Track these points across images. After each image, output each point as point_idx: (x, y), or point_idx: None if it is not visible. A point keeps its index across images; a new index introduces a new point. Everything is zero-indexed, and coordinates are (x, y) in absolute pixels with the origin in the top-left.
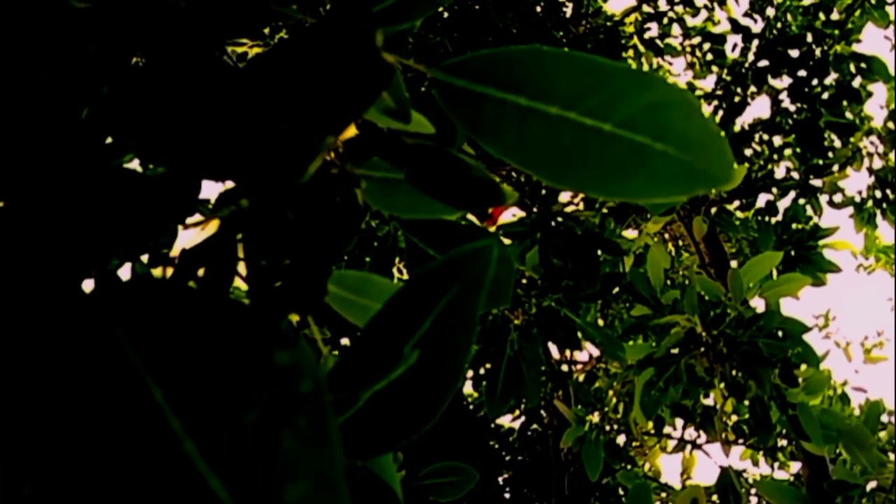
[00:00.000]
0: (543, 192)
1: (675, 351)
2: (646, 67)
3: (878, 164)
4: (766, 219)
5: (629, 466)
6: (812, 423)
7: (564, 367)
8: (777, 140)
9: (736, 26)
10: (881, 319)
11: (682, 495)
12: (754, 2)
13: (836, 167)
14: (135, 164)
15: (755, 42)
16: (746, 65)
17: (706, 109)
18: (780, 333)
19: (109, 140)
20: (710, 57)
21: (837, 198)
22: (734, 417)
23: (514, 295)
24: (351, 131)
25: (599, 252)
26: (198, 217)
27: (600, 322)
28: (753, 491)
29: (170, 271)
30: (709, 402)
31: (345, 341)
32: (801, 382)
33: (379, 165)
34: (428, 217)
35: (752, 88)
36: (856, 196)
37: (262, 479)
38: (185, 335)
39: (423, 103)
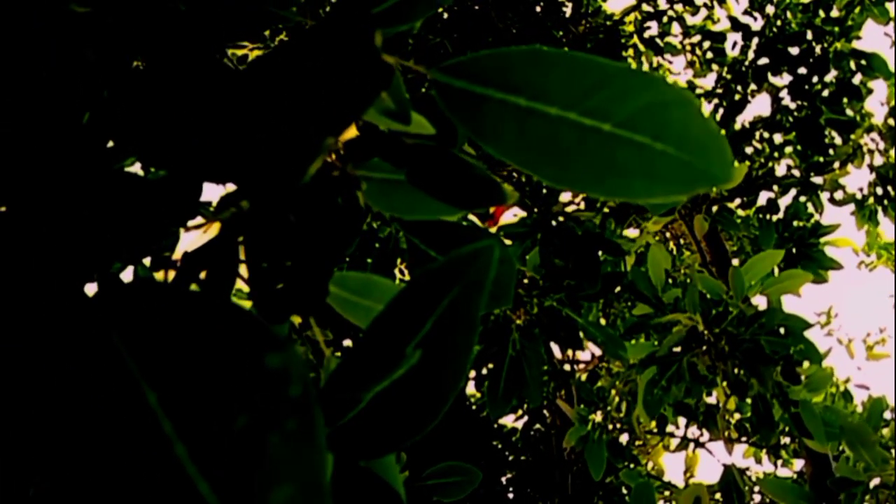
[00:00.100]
0: (544, 192)
1: (678, 349)
2: (646, 66)
3: (878, 160)
4: (768, 216)
5: (632, 465)
6: (815, 421)
7: (567, 367)
8: (778, 138)
9: (736, 24)
10: (883, 316)
11: (685, 494)
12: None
13: (836, 164)
14: (136, 168)
15: (755, 40)
16: (746, 63)
17: (706, 108)
18: (781, 331)
19: (111, 144)
20: (710, 55)
21: (838, 195)
22: (737, 415)
23: (515, 295)
24: (351, 133)
25: (600, 252)
26: (199, 220)
27: (602, 321)
28: (757, 489)
29: (172, 274)
30: (711, 400)
31: (347, 343)
32: (803, 380)
33: (380, 167)
34: (429, 218)
35: (753, 86)
36: (857, 193)
37: (249, 482)
38: (180, 339)
39: (423, 104)
